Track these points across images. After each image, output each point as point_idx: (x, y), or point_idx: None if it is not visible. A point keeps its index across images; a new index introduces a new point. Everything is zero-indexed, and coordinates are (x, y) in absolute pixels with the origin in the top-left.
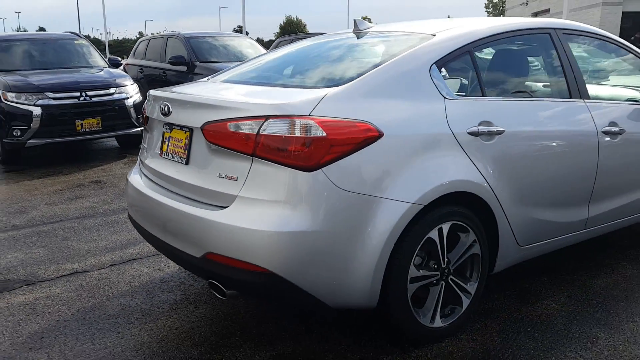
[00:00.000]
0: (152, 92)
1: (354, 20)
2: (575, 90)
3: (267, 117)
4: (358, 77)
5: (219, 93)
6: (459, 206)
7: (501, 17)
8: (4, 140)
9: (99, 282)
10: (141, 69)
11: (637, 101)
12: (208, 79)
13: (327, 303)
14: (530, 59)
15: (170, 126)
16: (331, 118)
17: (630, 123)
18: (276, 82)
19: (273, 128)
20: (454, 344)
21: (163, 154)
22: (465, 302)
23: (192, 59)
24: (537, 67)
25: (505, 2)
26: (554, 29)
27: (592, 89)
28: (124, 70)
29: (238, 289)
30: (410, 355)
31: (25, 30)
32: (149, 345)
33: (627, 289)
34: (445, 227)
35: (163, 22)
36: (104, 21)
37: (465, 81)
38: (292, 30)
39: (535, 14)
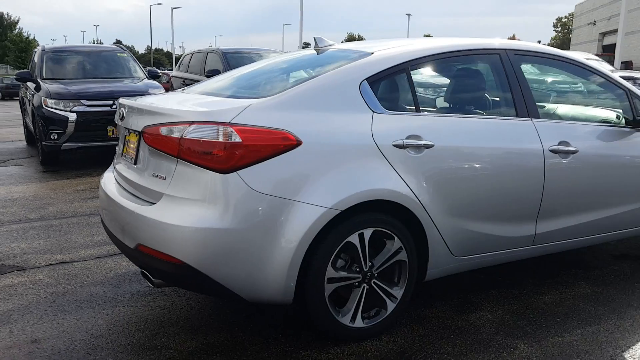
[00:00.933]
0: (120, 100)
1: (314, 38)
2: (523, 109)
3: (191, 123)
4: (286, 90)
5: (165, 101)
6: (383, 214)
7: (455, 38)
8: (43, 143)
9: (80, 271)
10: (184, 81)
11: (609, 122)
12: (183, 90)
13: (242, 296)
14: (475, 78)
15: (128, 130)
16: (250, 126)
17: (587, 143)
18: (227, 93)
19: (195, 133)
20: (373, 344)
21: (123, 155)
22: (391, 306)
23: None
24: (481, 86)
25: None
26: (505, 50)
27: (560, 109)
28: (170, 82)
29: (162, 279)
30: (327, 351)
31: (100, 43)
32: (99, 327)
33: (572, 307)
34: (367, 233)
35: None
36: (172, 36)
37: (399, 97)
38: None
39: (603, 34)
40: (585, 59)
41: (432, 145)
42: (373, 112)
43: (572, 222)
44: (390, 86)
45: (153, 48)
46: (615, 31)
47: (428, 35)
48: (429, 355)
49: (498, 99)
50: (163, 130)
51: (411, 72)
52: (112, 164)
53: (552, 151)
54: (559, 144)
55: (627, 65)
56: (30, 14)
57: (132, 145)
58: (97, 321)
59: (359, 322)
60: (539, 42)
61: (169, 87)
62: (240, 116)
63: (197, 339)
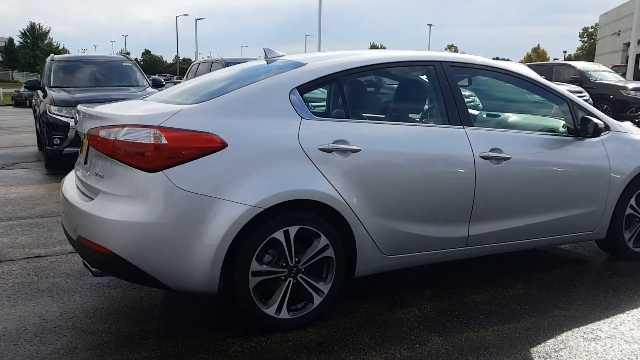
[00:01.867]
0: (77, 106)
1: (264, 49)
2: (455, 117)
3: (124, 126)
4: (219, 96)
5: (114, 108)
6: (309, 213)
7: (397, 51)
8: (47, 147)
9: (51, 264)
10: None
11: (551, 131)
12: (142, 98)
13: (169, 285)
14: (407, 88)
15: (82, 134)
16: (177, 129)
17: (521, 150)
18: (176, 100)
19: (126, 135)
20: (297, 334)
21: (79, 156)
22: (317, 299)
23: None
24: (414, 96)
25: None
26: (440, 61)
27: (498, 119)
28: None
29: (99, 268)
30: (252, 340)
31: (128, 53)
32: (52, 313)
33: (499, 306)
34: (292, 230)
35: (258, 48)
36: (195, 46)
37: (329, 104)
38: None
39: (627, 45)
40: (591, 67)
41: (359, 150)
42: (301, 118)
43: (506, 226)
44: (320, 94)
45: (181, 58)
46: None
47: (451, 46)
48: (345, 346)
49: (430, 107)
50: (102, 133)
51: (342, 82)
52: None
53: (483, 157)
54: (491, 150)
55: None
56: (64, 24)
57: (84, 147)
58: (52, 308)
59: (284, 314)
60: (565, 52)
61: None
62: (170, 120)
63: (137, 326)
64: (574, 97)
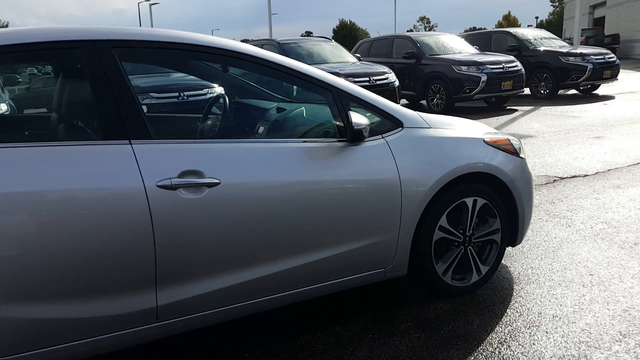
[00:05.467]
0: None
1: None
2: (117, 127)
3: None
4: None
5: None
6: None
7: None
8: None
9: None
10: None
11: (316, 135)
12: None
13: None
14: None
15: None
16: None
17: (244, 168)
18: None
19: None
20: None
21: None
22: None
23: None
24: (45, 98)
25: None
26: (93, 40)
27: (215, 124)
28: None
29: None
30: None
31: None
32: None
33: None
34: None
35: (228, 32)
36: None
37: None
38: (344, 34)
39: (593, 7)
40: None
41: None
42: None
43: (231, 282)
44: None
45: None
46: (604, 4)
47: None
48: None
49: (73, 113)
50: None
51: None
52: None
53: (164, 187)
54: (182, 175)
55: (613, 38)
56: (36, 18)
57: None
58: None
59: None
60: (537, 18)
61: None
62: None
63: None
64: (344, 83)
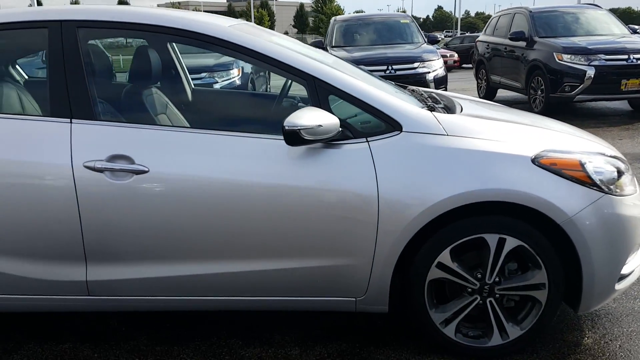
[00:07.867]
0: None
1: None
2: (62, 105)
3: None
4: None
5: None
6: None
7: None
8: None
9: None
10: (487, 45)
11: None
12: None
13: None
14: None
15: None
16: None
17: (178, 158)
18: None
19: None
20: None
21: None
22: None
23: (532, 35)
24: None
25: None
26: (60, 20)
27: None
28: (476, 46)
29: None
30: None
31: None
32: None
33: None
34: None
35: None
36: None
37: None
38: None
39: None
40: None
41: None
42: None
43: (154, 273)
44: None
45: (473, 13)
46: None
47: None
48: None
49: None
50: None
51: None
52: None
53: (90, 168)
54: (110, 159)
55: None
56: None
57: None
58: None
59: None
60: None
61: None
62: None
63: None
64: (326, 71)
